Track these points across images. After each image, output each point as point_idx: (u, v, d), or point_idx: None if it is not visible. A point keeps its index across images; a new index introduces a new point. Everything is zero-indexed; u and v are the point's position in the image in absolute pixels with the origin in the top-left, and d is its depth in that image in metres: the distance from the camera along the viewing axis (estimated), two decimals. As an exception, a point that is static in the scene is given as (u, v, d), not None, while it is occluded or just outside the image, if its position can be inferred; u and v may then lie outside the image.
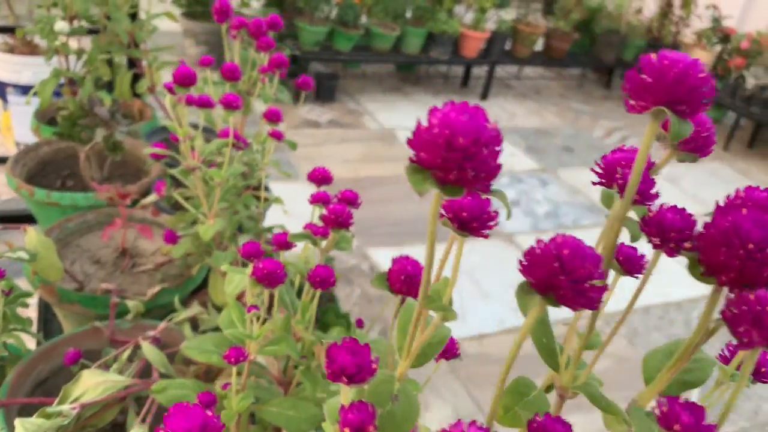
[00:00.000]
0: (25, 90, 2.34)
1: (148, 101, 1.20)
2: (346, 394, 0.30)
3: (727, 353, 0.40)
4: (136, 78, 1.10)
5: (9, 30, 2.23)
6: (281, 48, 3.15)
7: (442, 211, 0.30)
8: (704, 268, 0.27)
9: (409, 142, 0.26)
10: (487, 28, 4.00)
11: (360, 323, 0.55)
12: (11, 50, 2.38)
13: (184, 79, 0.57)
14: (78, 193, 0.88)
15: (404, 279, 0.39)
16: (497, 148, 0.25)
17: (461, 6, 4.07)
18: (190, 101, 0.60)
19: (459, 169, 0.24)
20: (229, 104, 0.57)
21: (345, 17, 3.56)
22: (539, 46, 4.39)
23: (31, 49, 2.39)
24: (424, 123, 0.26)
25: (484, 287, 2.29)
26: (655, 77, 0.27)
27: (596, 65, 4.69)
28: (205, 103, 0.59)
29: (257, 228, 0.70)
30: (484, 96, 4.17)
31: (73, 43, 1.12)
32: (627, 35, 4.46)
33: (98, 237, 0.81)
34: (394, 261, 0.41)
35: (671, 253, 0.30)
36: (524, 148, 3.55)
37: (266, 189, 0.77)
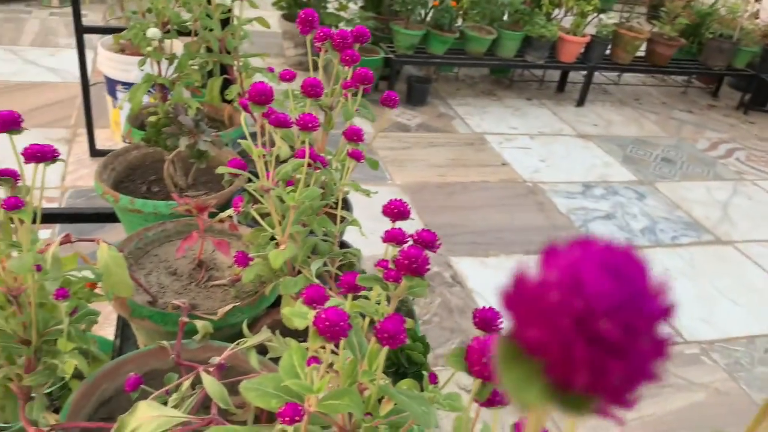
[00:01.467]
0: (129, 87, 2.44)
1: (239, 107, 1.20)
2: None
3: None
4: (227, 83, 1.10)
5: (119, 30, 2.33)
6: (375, 51, 3.15)
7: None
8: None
9: (508, 304, 0.16)
10: (587, 33, 3.83)
11: (433, 378, 0.50)
12: (121, 50, 2.50)
13: (259, 97, 0.54)
14: (160, 201, 0.89)
15: (485, 361, 0.34)
16: (664, 332, 0.14)
17: (560, 9, 3.92)
18: (265, 117, 0.58)
19: (595, 370, 0.14)
20: (305, 125, 0.54)
21: (441, 20, 3.51)
22: (641, 51, 4.15)
23: (138, 51, 2.49)
24: (532, 271, 0.16)
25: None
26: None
27: (703, 73, 4.39)
28: (281, 123, 0.56)
29: (332, 251, 0.67)
30: (581, 102, 4.00)
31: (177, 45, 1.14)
32: (739, 41, 4.14)
33: (175, 245, 0.81)
34: (475, 339, 0.36)
35: None
36: (621, 159, 3.37)
37: (345, 207, 0.73)
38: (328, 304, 0.42)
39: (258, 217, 0.68)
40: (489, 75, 4.30)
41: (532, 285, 0.14)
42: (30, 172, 0.53)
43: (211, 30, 0.96)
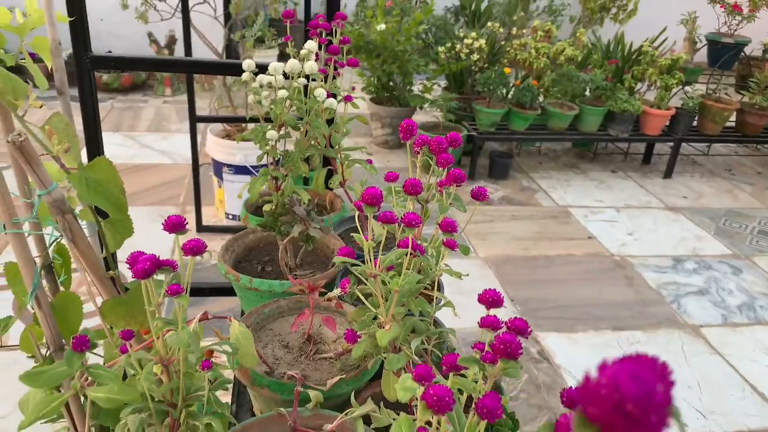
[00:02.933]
0: (237, 169, 2.67)
1: (338, 193, 1.33)
2: None
3: None
4: (330, 174, 1.23)
5: (228, 120, 2.59)
6: (459, 129, 3.29)
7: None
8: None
9: (579, 394, 0.26)
10: (672, 105, 3.83)
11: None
12: (228, 136, 2.75)
13: (371, 199, 0.65)
14: (274, 281, 1.00)
15: None
16: (666, 412, 0.25)
17: (642, 83, 3.95)
18: (378, 219, 0.68)
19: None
20: (410, 223, 0.64)
21: (522, 99, 3.62)
22: (731, 121, 4.08)
23: (240, 132, 2.74)
24: (594, 376, 0.26)
25: (664, 385, 2.11)
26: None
27: (802, 141, 4.24)
28: (389, 220, 0.66)
29: (428, 329, 0.75)
30: (668, 174, 3.95)
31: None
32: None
33: (288, 323, 0.92)
34: (563, 416, 0.43)
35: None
36: (714, 231, 3.28)
37: (439, 289, 0.82)
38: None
39: (362, 298, 0.77)
40: (571, 148, 4.34)
41: (592, 383, 0.24)
42: (165, 248, 0.65)
43: (318, 129, 1.10)
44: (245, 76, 1.08)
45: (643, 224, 3.31)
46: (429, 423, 0.47)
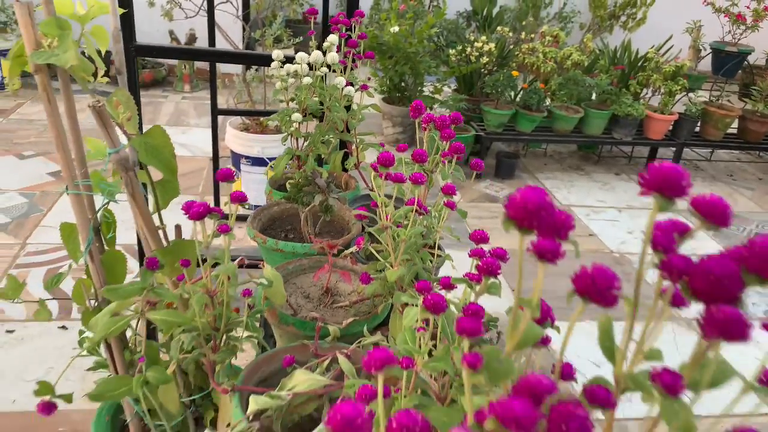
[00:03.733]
0: (254, 161, 2.82)
1: (353, 175, 1.47)
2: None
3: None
4: (346, 156, 1.37)
5: (247, 113, 2.73)
6: (467, 129, 3.42)
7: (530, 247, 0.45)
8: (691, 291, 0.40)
9: (506, 205, 0.42)
10: (675, 111, 3.94)
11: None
12: (246, 129, 2.90)
13: (386, 161, 0.78)
14: (297, 243, 1.14)
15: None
16: (552, 211, 0.40)
17: (647, 89, 4.06)
18: (388, 177, 0.81)
19: (529, 221, 0.40)
20: (416, 180, 0.77)
21: (529, 101, 3.75)
22: (733, 128, 4.19)
23: (262, 129, 2.89)
24: (516, 195, 0.42)
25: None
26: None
27: (802, 149, 4.34)
28: (398, 179, 0.80)
29: (430, 278, 0.88)
30: (670, 178, 4.05)
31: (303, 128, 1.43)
32: (841, 118, 4.10)
33: (309, 278, 1.05)
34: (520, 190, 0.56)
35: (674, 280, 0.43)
36: (711, 233, 3.38)
37: (440, 248, 0.95)
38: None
39: (375, 252, 0.91)
40: (577, 151, 4.46)
41: (514, 198, 0.38)
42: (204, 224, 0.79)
43: (338, 113, 1.23)
44: (274, 64, 1.22)
45: (643, 224, 3.42)
46: (427, 322, 0.60)
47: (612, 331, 0.55)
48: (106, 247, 1.13)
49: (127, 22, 1.28)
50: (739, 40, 4.15)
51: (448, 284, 0.65)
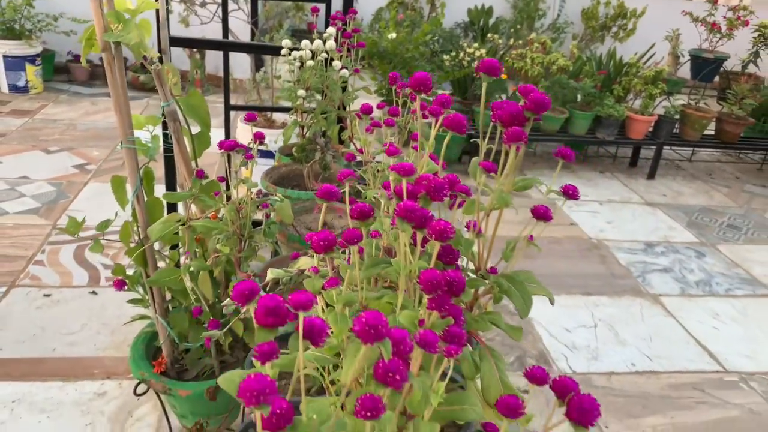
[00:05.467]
0: (263, 154, 3.10)
1: (349, 146, 1.75)
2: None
3: None
4: (342, 129, 1.65)
5: (257, 109, 3.02)
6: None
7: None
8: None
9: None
10: (655, 113, 4.22)
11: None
12: (256, 125, 3.19)
13: (367, 110, 1.06)
14: (302, 191, 1.42)
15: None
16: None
17: (631, 93, 4.34)
18: (368, 129, 1.09)
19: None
20: (389, 123, 1.05)
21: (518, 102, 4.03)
22: (711, 130, 4.47)
23: (270, 124, 3.18)
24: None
25: (620, 336, 2.49)
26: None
27: (776, 149, 4.61)
28: (376, 125, 1.08)
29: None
30: (651, 175, 4.33)
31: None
32: (812, 120, 4.37)
33: (311, 216, 1.32)
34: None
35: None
36: (685, 224, 3.65)
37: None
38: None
39: (361, 188, 1.19)
40: (565, 151, 4.74)
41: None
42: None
43: (335, 91, 1.52)
44: (284, 51, 1.51)
45: (622, 216, 3.69)
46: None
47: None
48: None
49: (162, 16, 1.56)
50: (715, 47, 4.43)
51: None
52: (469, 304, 0.81)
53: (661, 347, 2.45)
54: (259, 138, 1.02)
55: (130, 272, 1.48)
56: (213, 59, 5.35)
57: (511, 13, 6.70)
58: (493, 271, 0.82)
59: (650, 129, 4.29)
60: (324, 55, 1.50)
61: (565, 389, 0.48)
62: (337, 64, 1.48)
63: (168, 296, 1.56)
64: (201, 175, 1.04)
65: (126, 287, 1.28)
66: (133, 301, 1.57)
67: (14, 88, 4.72)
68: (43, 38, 4.86)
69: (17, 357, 2.03)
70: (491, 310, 0.91)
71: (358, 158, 1.17)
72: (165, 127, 1.39)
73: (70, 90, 5.08)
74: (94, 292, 2.42)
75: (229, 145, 0.99)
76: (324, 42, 1.48)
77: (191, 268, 1.07)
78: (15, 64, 4.64)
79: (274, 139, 3.11)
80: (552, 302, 0.94)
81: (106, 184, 3.35)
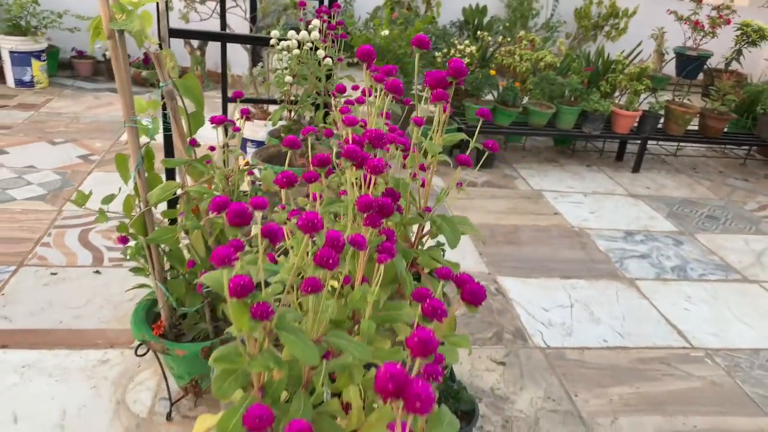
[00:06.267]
0: (258, 144, 3.25)
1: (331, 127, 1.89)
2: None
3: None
4: (326, 114, 1.79)
5: (253, 101, 3.17)
6: (450, 123, 3.84)
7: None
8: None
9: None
10: (640, 108, 4.36)
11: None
12: (252, 117, 3.33)
13: (340, 90, 1.20)
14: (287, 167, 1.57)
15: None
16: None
17: (618, 90, 4.49)
18: (342, 109, 1.23)
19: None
20: (360, 100, 1.19)
21: (506, 98, 4.18)
22: (695, 125, 4.61)
23: (265, 116, 3.32)
24: None
25: (595, 315, 2.64)
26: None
27: (757, 144, 4.75)
28: (349, 102, 1.22)
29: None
30: (636, 169, 4.48)
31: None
32: (793, 116, 4.51)
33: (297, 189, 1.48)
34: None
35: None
36: (666, 214, 3.79)
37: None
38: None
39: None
40: (553, 146, 4.89)
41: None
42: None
43: (320, 80, 1.66)
44: (273, 41, 1.65)
45: (605, 206, 3.84)
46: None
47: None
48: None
49: (161, 10, 1.71)
50: (699, 45, 4.57)
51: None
52: (414, 241, 0.95)
53: (633, 326, 2.59)
54: (245, 113, 1.16)
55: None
56: (213, 56, 5.49)
57: (506, 13, 6.84)
58: (428, 210, 0.95)
59: (635, 124, 4.43)
60: (310, 44, 1.64)
61: (463, 282, 0.61)
62: (320, 53, 1.63)
63: (167, 266, 1.71)
64: (194, 143, 1.18)
65: (129, 243, 1.42)
66: (134, 270, 1.72)
67: (20, 83, 4.87)
68: (47, 35, 5.00)
69: (27, 328, 2.17)
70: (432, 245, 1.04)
71: (336, 133, 1.31)
72: (165, 110, 1.54)
73: (74, 85, 5.23)
74: (97, 272, 2.56)
75: (220, 120, 1.14)
76: (309, 33, 1.63)
77: (186, 227, 1.22)
78: (21, 59, 4.79)
79: (267, 131, 3.27)
80: (483, 242, 1.08)
81: (108, 174, 3.51)
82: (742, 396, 2.25)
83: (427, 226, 0.95)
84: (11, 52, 4.75)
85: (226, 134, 1.23)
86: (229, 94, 3.13)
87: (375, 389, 0.43)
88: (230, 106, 3.39)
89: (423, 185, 1.00)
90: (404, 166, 0.99)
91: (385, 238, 0.71)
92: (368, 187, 0.79)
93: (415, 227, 0.94)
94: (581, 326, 2.55)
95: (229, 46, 3.53)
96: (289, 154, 1.66)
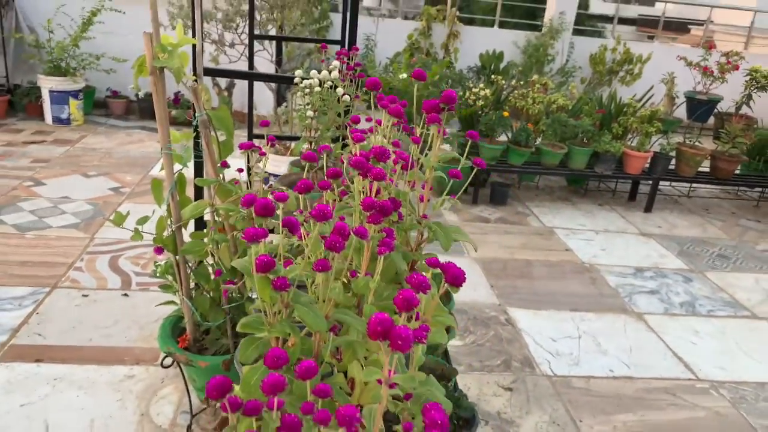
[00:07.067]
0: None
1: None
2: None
3: None
4: (344, 146, 1.94)
5: (277, 138, 3.34)
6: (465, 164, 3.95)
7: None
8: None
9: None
10: (651, 150, 4.48)
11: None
12: (276, 152, 3.51)
13: (355, 121, 1.34)
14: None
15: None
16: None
17: (630, 132, 4.61)
18: (355, 137, 1.37)
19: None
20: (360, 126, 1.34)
21: (519, 138, 4.33)
22: (706, 167, 4.70)
23: (287, 152, 3.50)
24: None
25: (602, 347, 2.71)
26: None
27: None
28: (360, 139, 1.36)
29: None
30: (648, 209, 4.56)
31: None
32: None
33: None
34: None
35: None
36: (677, 253, 3.86)
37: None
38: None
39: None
40: (566, 186, 5.00)
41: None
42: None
43: (339, 115, 1.82)
44: (296, 80, 1.82)
45: (616, 244, 3.92)
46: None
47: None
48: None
49: (197, 52, 1.89)
50: (709, 89, 4.70)
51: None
52: (414, 246, 1.06)
53: (639, 357, 2.65)
54: (271, 140, 1.31)
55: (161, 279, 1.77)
56: (239, 97, 5.75)
57: (522, 58, 7.05)
58: (425, 217, 1.08)
59: (647, 165, 4.53)
60: (330, 83, 1.80)
61: (447, 269, 0.72)
62: (339, 90, 1.79)
63: (192, 285, 1.85)
64: (225, 164, 1.33)
65: (163, 254, 1.56)
66: (162, 287, 1.86)
67: (57, 120, 5.14)
68: (85, 75, 5.30)
69: (59, 344, 2.31)
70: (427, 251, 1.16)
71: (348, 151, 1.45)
72: (196, 140, 1.70)
73: (108, 123, 5.50)
74: (126, 294, 2.71)
75: (248, 145, 1.28)
76: (330, 72, 1.79)
77: (215, 239, 1.35)
78: (59, 98, 5.07)
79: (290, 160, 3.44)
80: (475, 249, 1.21)
81: (138, 205, 3.69)
82: (746, 426, 2.29)
83: (426, 234, 1.07)
84: (51, 92, 5.03)
85: (249, 162, 1.37)
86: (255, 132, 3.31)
87: (367, 333, 0.54)
88: (255, 141, 3.59)
89: (421, 199, 1.13)
90: (411, 187, 1.12)
91: (385, 235, 0.84)
92: (373, 195, 0.92)
93: (415, 234, 1.07)
94: (588, 356, 2.62)
95: (255, 88, 3.74)
96: (306, 166, 1.81)
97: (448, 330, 2.13)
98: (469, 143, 4.13)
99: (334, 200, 1.00)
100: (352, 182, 0.96)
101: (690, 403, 2.39)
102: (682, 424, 2.26)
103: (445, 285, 0.69)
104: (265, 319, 0.73)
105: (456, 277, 0.69)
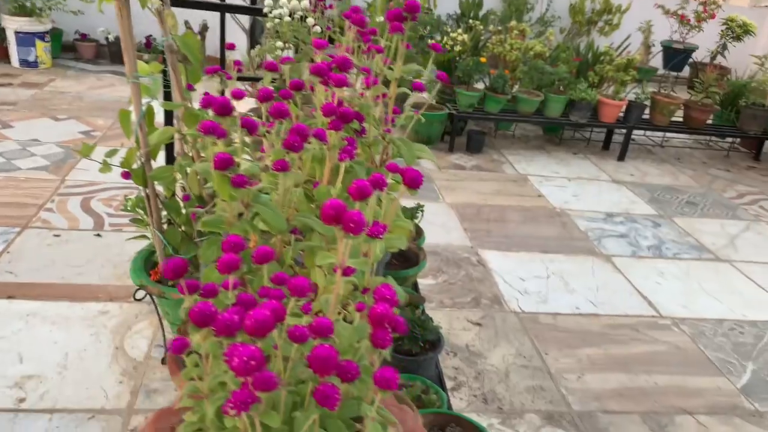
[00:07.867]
0: (252, 118, 3.38)
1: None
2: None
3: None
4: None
5: (249, 79, 3.29)
6: (441, 108, 4.00)
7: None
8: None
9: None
10: (626, 98, 4.50)
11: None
12: (249, 96, 3.46)
13: (320, 46, 1.34)
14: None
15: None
16: None
17: (606, 80, 4.62)
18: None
19: None
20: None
21: (495, 85, 4.32)
22: (679, 116, 4.75)
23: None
24: None
25: (570, 286, 2.78)
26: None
27: (739, 136, 4.89)
28: (321, 46, 1.35)
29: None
30: (621, 157, 4.61)
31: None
32: (773, 108, 4.65)
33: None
34: None
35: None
36: (647, 199, 3.93)
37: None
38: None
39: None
40: (542, 134, 5.02)
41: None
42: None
43: (307, 44, 1.80)
44: (266, 9, 1.79)
45: (588, 190, 3.98)
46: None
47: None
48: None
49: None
50: (685, 38, 4.71)
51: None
52: (379, 162, 1.08)
53: (605, 296, 2.73)
54: (237, 65, 1.30)
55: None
56: (212, 43, 5.62)
57: (502, 6, 6.97)
58: (388, 131, 1.09)
59: (621, 113, 4.56)
60: (300, 13, 1.78)
61: (405, 172, 0.74)
62: (310, 20, 1.76)
63: (165, 222, 1.84)
64: (190, 87, 1.32)
65: (131, 178, 1.55)
66: (134, 221, 1.86)
67: (24, 63, 4.99)
68: (52, 16, 5.12)
69: (31, 281, 2.31)
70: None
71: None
72: (164, 73, 1.67)
73: (77, 67, 5.35)
74: (98, 235, 2.69)
75: (213, 70, 1.27)
76: (299, 2, 1.76)
77: (183, 166, 1.35)
78: (25, 40, 4.91)
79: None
80: (438, 167, 1.22)
81: (111, 149, 3.63)
82: (704, 359, 2.39)
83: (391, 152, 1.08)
84: (16, 33, 4.87)
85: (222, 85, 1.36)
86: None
87: (321, 217, 0.56)
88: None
89: (390, 116, 1.14)
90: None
91: (346, 144, 0.85)
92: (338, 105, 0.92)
93: (380, 151, 1.08)
94: (556, 295, 2.69)
95: (228, 31, 3.65)
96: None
97: (420, 233, 2.15)
98: (444, 90, 4.09)
99: (296, 116, 1.00)
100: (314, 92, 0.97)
101: (652, 337, 2.48)
102: (643, 357, 2.35)
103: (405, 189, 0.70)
104: (226, 220, 0.75)
105: (414, 180, 0.70)
